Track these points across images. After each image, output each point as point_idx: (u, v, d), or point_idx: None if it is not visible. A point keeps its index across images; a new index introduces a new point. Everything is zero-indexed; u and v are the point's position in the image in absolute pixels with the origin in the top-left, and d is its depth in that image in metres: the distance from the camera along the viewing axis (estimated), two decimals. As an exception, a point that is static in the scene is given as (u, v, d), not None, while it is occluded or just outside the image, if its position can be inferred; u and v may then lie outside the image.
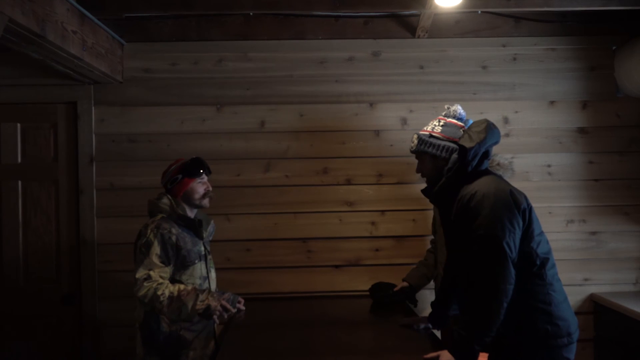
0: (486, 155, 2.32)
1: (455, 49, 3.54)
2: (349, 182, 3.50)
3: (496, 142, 2.33)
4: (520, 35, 3.55)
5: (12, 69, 3.39)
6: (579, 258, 3.51)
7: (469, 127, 2.34)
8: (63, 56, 2.79)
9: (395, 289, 3.09)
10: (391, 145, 3.46)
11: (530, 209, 2.25)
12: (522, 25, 3.54)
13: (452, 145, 2.33)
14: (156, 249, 2.53)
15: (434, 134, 2.38)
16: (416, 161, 2.49)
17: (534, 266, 2.20)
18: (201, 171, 2.72)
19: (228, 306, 2.54)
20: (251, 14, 3.42)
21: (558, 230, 3.51)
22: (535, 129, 3.54)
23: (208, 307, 2.47)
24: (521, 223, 2.18)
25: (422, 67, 3.54)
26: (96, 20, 3.07)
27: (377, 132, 3.50)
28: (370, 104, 3.52)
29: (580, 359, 3.45)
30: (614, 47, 3.56)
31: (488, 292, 2.09)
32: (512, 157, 3.48)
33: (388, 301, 3.02)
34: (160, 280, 2.49)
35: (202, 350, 2.65)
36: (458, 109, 2.43)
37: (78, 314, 3.40)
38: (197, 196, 2.71)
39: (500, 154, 3.35)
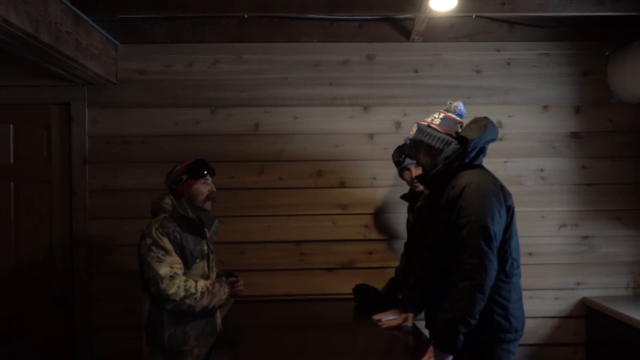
0: (482, 150, 2.42)
1: (449, 53, 3.56)
2: (342, 185, 3.51)
3: (493, 139, 2.43)
4: (514, 40, 3.56)
5: (6, 69, 3.37)
6: (571, 262, 3.52)
7: (470, 122, 2.43)
8: (57, 57, 2.78)
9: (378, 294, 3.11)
10: (385, 148, 3.46)
11: (513, 209, 2.37)
12: (516, 30, 3.55)
13: (447, 137, 2.45)
14: (169, 244, 2.54)
15: (432, 125, 2.50)
16: None
17: (505, 263, 2.31)
18: (205, 172, 2.72)
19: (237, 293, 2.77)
20: (246, 16, 3.43)
21: (551, 235, 3.53)
22: (528, 133, 3.56)
23: (227, 293, 2.67)
24: (505, 216, 2.31)
25: (416, 71, 3.55)
26: (90, 22, 3.06)
27: (371, 136, 3.50)
28: (364, 107, 3.52)
29: (572, 363, 3.48)
30: (607, 53, 3.58)
31: (476, 275, 2.16)
32: (506, 161, 3.51)
33: (371, 305, 2.99)
34: (185, 277, 2.52)
35: (207, 348, 2.62)
36: (459, 105, 2.55)
37: (71, 316, 3.39)
38: (200, 198, 2.71)
39: (494, 157, 3.38)
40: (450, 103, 2.56)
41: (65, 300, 3.38)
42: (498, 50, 3.57)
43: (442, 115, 2.52)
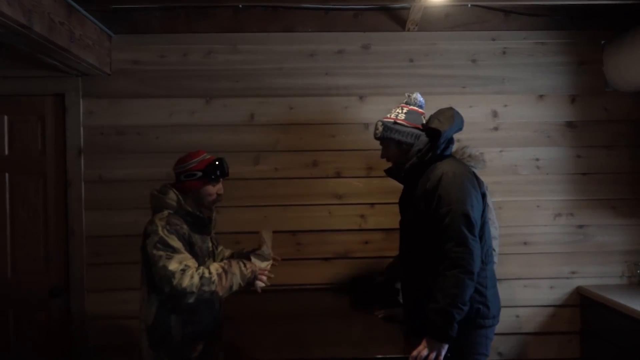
0: (451, 140, 2.49)
1: (445, 43, 3.54)
2: (338, 175, 3.51)
3: (460, 129, 2.50)
4: (510, 29, 3.55)
5: (-1, 60, 3.36)
6: (566, 251, 3.53)
7: (436, 113, 2.48)
8: (50, 48, 2.76)
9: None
10: (381, 138, 3.45)
11: (487, 196, 2.44)
12: (511, 19, 3.54)
13: (416, 131, 2.49)
14: (177, 242, 2.35)
15: (398, 121, 2.53)
16: None
17: (482, 250, 2.34)
18: (221, 178, 2.57)
19: (266, 271, 2.52)
20: (240, 6, 3.40)
21: (546, 224, 3.54)
22: (524, 122, 3.55)
23: (253, 271, 2.46)
24: (481, 202, 2.36)
25: (411, 60, 3.54)
26: (84, 12, 3.04)
27: (366, 125, 3.49)
28: (359, 97, 3.52)
29: (567, 352, 3.51)
30: (603, 42, 3.57)
31: (463, 262, 2.20)
32: (501, 151, 3.51)
33: (369, 296, 2.99)
34: (197, 265, 2.35)
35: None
36: (418, 96, 2.60)
37: (66, 307, 3.39)
38: (209, 199, 2.55)
39: (489, 147, 3.38)
40: (409, 95, 2.60)
41: (61, 291, 3.39)
42: (494, 40, 3.56)
43: (405, 110, 2.56)
